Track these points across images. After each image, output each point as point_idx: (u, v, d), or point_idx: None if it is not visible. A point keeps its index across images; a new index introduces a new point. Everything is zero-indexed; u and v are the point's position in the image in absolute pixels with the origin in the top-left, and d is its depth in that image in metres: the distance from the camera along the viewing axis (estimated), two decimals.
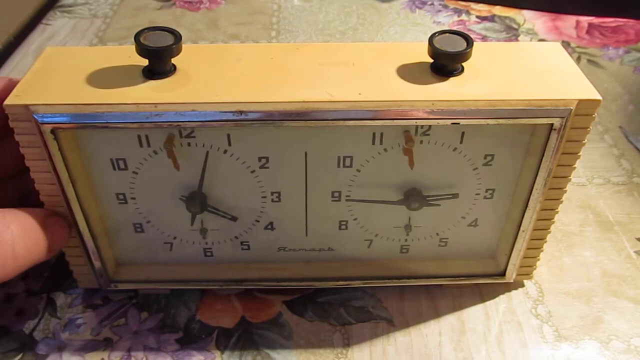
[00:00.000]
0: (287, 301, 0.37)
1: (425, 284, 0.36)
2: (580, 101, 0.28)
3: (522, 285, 0.37)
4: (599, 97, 0.28)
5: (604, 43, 0.63)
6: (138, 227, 0.34)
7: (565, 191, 0.31)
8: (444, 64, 0.29)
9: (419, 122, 0.28)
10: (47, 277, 0.38)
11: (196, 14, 0.69)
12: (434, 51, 0.29)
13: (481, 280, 0.36)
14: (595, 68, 0.60)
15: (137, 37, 0.28)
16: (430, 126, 0.30)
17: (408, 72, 0.29)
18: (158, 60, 0.28)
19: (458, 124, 0.28)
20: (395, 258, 0.36)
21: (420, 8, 0.71)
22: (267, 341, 0.35)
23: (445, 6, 0.71)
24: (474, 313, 0.36)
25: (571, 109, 0.28)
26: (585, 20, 0.67)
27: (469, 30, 0.66)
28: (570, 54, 0.56)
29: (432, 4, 0.72)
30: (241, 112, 0.27)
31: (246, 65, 0.30)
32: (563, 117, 0.28)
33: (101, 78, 0.29)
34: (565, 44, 0.63)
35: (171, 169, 0.31)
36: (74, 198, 0.30)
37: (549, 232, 0.33)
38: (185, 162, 0.31)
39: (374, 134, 0.30)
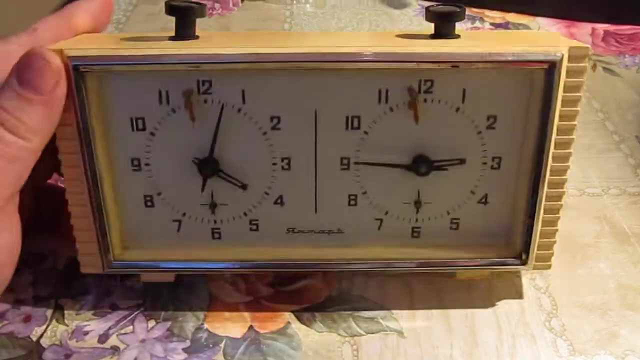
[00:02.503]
0: (295, 311, 0.36)
1: (437, 270, 0.35)
2: (571, 47, 0.30)
3: (535, 296, 0.36)
4: (588, 45, 0.30)
5: (620, 51, 0.63)
6: (149, 200, 0.34)
7: (570, 154, 0.32)
8: (441, 27, 0.32)
9: (422, 66, 0.30)
10: (56, 283, 0.38)
11: (208, 20, 0.70)
12: (431, 14, 0.32)
13: (497, 267, 0.35)
14: (611, 76, 0.60)
15: (166, 2, 0.31)
16: (432, 82, 0.31)
17: (410, 37, 0.33)
18: (183, 19, 0.31)
19: (458, 66, 0.30)
20: (406, 242, 0.35)
21: None
22: (275, 351, 0.33)
23: None
24: (486, 325, 0.35)
25: (563, 53, 0.30)
26: (600, 27, 0.66)
27: None
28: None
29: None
30: (257, 54, 0.30)
31: (263, 35, 0.33)
32: (557, 60, 0.30)
33: (131, 40, 0.32)
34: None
35: (187, 129, 0.32)
36: (92, 158, 0.32)
37: (561, 206, 0.33)
38: (200, 122, 0.32)
39: (379, 91, 0.32)
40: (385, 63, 0.30)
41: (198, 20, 0.32)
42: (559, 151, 0.32)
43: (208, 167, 0.33)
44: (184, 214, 0.35)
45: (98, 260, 0.34)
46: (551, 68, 0.30)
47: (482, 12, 0.70)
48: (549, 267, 0.35)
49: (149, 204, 0.34)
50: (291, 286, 0.38)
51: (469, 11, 0.70)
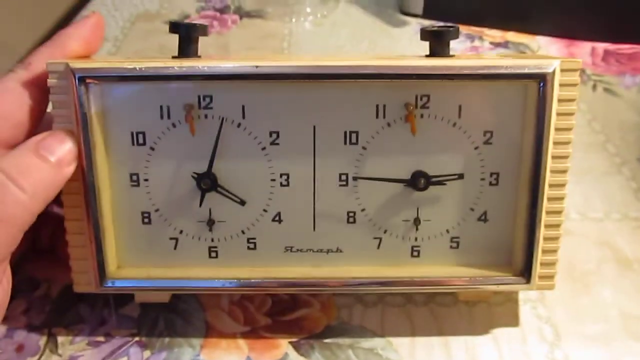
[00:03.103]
0: (293, 342, 0.35)
1: (438, 290, 0.34)
2: (563, 61, 0.31)
3: (537, 325, 0.35)
4: (580, 60, 0.31)
5: (620, 70, 0.61)
6: (146, 216, 0.34)
7: (568, 167, 0.32)
8: (436, 46, 0.33)
9: (417, 82, 0.31)
10: (50, 312, 0.37)
11: (207, 38, 0.70)
12: (426, 33, 0.33)
13: (499, 287, 0.34)
14: (612, 97, 0.58)
15: (170, 21, 0.33)
16: (429, 97, 0.32)
17: (406, 57, 0.33)
18: (186, 38, 0.32)
19: (451, 79, 0.31)
20: (406, 262, 0.35)
21: None
22: None
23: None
24: (488, 356, 0.34)
25: (555, 66, 0.30)
26: (601, 46, 0.65)
27: None
28: (585, 82, 0.59)
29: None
30: (257, 67, 0.30)
31: (264, 55, 0.34)
32: (549, 72, 0.30)
33: (135, 60, 0.32)
34: (581, 72, 0.60)
35: (187, 144, 0.33)
36: (92, 172, 0.32)
37: (562, 221, 0.33)
38: (200, 136, 0.32)
39: (377, 106, 0.32)
40: (383, 79, 0.31)
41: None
42: (556, 165, 0.32)
43: (207, 181, 0.33)
44: (181, 232, 0.34)
45: (92, 279, 0.33)
46: (543, 81, 0.31)
47: (481, 31, 0.69)
48: (552, 287, 0.34)
49: (146, 220, 0.34)
50: (289, 316, 0.37)
51: (468, 30, 0.69)
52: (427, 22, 0.70)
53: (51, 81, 0.31)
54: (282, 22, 0.72)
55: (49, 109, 0.33)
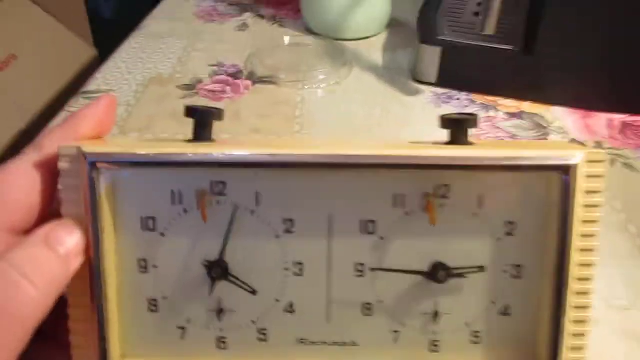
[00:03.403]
0: None
1: None
2: (589, 152, 0.30)
3: None
4: (603, 152, 0.30)
5: (638, 144, 0.60)
6: (153, 304, 0.32)
7: (595, 261, 0.31)
8: (456, 133, 0.32)
9: (436, 172, 0.30)
10: None
11: (219, 104, 0.68)
12: (446, 121, 0.32)
13: None
14: (632, 172, 0.56)
15: (186, 105, 0.32)
16: (448, 187, 0.31)
17: (425, 144, 0.33)
18: (201, 122, 0.32)
19: (472, 169, 0.30)
20: (425, 357, 0.33)
21: (446, 103, 0.69)
22: None
23: (472, 101, 0.69)
24: None
25: (580, 157, 0.30)
26: (617, 118, 0.64)
27: (497, 127, 0.64)
28: None
29: (458, 98, 0.69)
30: (272, 155, 0.30)
31: (280, 140, 0.33)
32: (574, 164, 0.29)
33: (147, 144, 0.32)
34: (598, 145, 0.60)
35: (198, 231, 0.32)
36: (99, 257, 0.31)
37: (589, 317, 0.31)
38: (212, 223, 0.32)
39: (394, 196, 0.31)
40: (401, 169, 0.30)
41: (209, 104, 0.33)
42: (582, 258, 0.31)
43: (218, 270, 0.31)
44: (189, 320, 0.33)
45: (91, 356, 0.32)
46: (567, 172, 0.30)
47: (495, 101, 0.68)
48: None
49: (152, 308, 0.33)
50: None
51: (482, 99, 0.69)
52: (440, 91, 0.70)
53: (62, 165, 0.30)
54: (295, 88, 0.72)
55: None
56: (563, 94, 0.67)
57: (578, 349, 0.32)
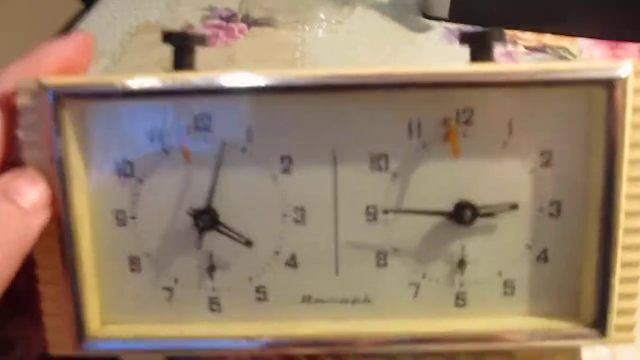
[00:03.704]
0: None
1: (490, 347, 0.28)
2: (638, 63, 0.25)
3: None
4: None
5: None
6: (134, 262, 0.28)
7: None
8: (478, 50, 0.27)
9: (458, 93, 0.26)
10: None
11: (212, 49, 0.62)
12: (466, 36, 0.27)
13: (567, 342, 0.27)
14: None
15: (162, 31, 0.28)
16: (472, 111, 0.26)
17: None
18: (181, 49, 0.27)
19: (502, 84, 0.25)
20: (449, 313, 0.28)
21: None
22: None
23: None
24: None
25: (629, 68, 0.25)
26: None
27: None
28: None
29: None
30: (264, 77, 0.25)
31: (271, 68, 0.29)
32: (621, 76, 0.25)
33: (119, 74, 0.28)
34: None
35: (182, 175, 0.27)
36: (68, 210, 0.26)
37: (639, 261, 0.27)
38: (197, 165, 0.27)
39: (410, 124, 0.27)
40: (417, 88, 0.26)
41: (201, 52, 0.28)
42: (633, 189, 0.26)
43: (205, 218, 0.27)
44: (176, 280, 0.28)
45: (70, 338, 0.28)
46: (614, 86, 0.25)
47: (514, 35, 0.62)
48: (632, 339, 0.27)
49: (134, 267, 0.28)
50: None
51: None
52: (453, 27, 0.64)
53: (21, 101, 0.26)
54: (294, 30, 0.66)
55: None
56: (588, 23, 0.60)
57: (629, 296, 0.27)
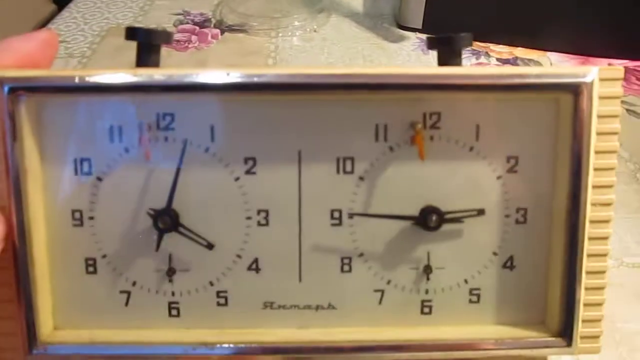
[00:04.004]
0: None
1: (455, 356, 0.27)
2: (602, 69, 0.25)
3: None
4: (621, 67, 0.26)
5: None
6: (91, 264, 0.27)
7: (613, 200, 0.26)
8: (446, 55, 0.27)
9: (425, 96, 0.26)
10: None
11: (183, 54, 0.61)
12: (434, 41, 0.27)
13: (533, 352, 0.27)
14: (637, 119, 0.51)
15: (126, 27, 0.27)
16: (439, 115, 0.26)
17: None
18: (145, 46, 0.27)
19: (469, 88, 0.25)
20: (415, 321, 0.28)
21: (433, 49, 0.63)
22: None
23: None
24: None
25: (594, 74, 0.25)
26: (618, 64, 0.59)
27: None
28: None
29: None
30: (228, 74, 0.25)
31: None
32: (586, 82, 0.25)
33: (78, 69, 0.27)
34: None
35: (142, 174, 0.26)
36: (22, 209, 0.25)
37: (607, 267, 0.27)
38: (158, 165, 0.26)
39: (376, 127, 0.26)
40: (384, 90, 0.25)
41: (172, 56, 0.28)
42: (599, 197, 0.26)
43: (165, 219, 0.26)
44: (134, 283, 0.27)
45: (22, 344, 0.26)
46: (579, 92, 0.25)
47: (487, 47, 0.64)
48: (598, 350, 0.27)
49: (90, 269, 0.27)
50: None
51: (473, 45, 0.63)
52: (426, 37, 0.66)
53: None
54: (268, 37, 0.66)
55: None
56: (559, 38, 0.61)
57: (595, 305, 0.27)
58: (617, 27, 0.59)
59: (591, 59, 0.62)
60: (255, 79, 0.25)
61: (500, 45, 0.64)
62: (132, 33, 0.27)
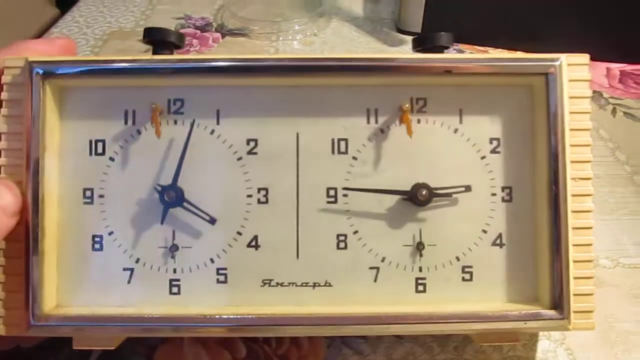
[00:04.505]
0: None
1: (450, 332, 0.27)
2: (569, 55, 0.28)
3: None
4: (587, 54, 0.28)
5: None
6: (97, 241, 0.28)
7: (591, 175, 0.28)
8: (429, 52, 0.30)
9: (411, 81, 0.28)
10: None
11: (185, 55, 0.61)
12: (416, 41, 0.31)
13: (527, 324, 0.27)
14: (634, 122, 0.51)
15: (145, 28, 0.30)
16: (425, 100, 0.29)
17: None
18: (160, 44, 0.30)
19: (450, 71, 0.28)
20: (409, 299, 0.28)
21: None
22: None
23: (461, 51, 0.64)
24: None
25: (562, 59, 0.28)
26: (616, 67, 0.60)
27: None
28: (603, 106, 0.52)
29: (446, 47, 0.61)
30: (234, 59, 0.27)
31: None
32: (556, 66, 0.28)
33: (101, 55, 0.30)
34: (598, 95, 0.55)
35: (151, 154, 0.28)
36: (39, 182, 0.27)
37: (592, 241, 0.27)
38: (167, 145, 0.28)
39: (368, 111, 0.29)
40: (373, 71, 0.28)
41: None
42: (577, 172, 0.28)
43: (171, 194, 0.28)
44: (138, 260, 0.28)
45: (23, 317, 0.27)
46: (550, 76, 0.28)
47: (485, 50, 0.64)
48: (592, 326, 0.27)
49: (96, 246, 0.28)
50: None
51: (472, 49, 0.64)
52: None
53: (6, 77, 0.28)
54: (269, 40, 0.67)
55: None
56: (558, 42, 0.60)
57: (585, 278, 0.27)
58: (616, 31, 0.60)
59: (589, 62, 0.63)
60: (259, 63, 0.28)
61: (499, 49, 0.64)
62: (149, 31, 0.30)
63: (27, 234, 0.27)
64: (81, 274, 0.28)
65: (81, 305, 0.28)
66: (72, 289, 0.28)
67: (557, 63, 0.28)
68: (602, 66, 0.61)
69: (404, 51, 0.64)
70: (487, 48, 0.65)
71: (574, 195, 0.28)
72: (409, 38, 0.67)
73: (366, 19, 0.71)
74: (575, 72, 0.28)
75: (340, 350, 0.32)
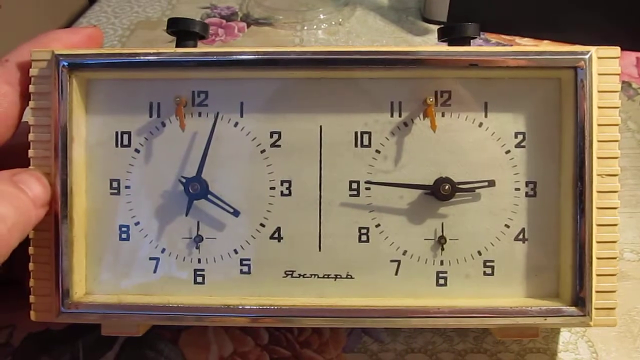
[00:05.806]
0: None
1: (470, 326, 0.27)
2: (599, 48, 0.27)
3: None
4: (617, 47, 0.28)
5: None
6: (124, 231, 0.29)
7: (618, 171, 0.27)
8: (455, 42, 0.30)
9: (436, 74, 0.28)
10: None
11: (210, 47, 0.58)
12: (443, 30, 0.30)
13: (547, 320, 0.27)
14: None
15: (168, 18, 0.30)
16: (450, 93, 0.28)
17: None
18: (184, 34, 0.30)
19: (476, 65, 0.27)
20: (430, 292, 0.29)
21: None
22: None
23: (487, 40, 0.63)
24: None
25: (592, 52, 0.27)
26: None
27: None
28: (632, 97, 0.52)
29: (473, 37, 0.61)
30: (258, 53, 0.28)
31: None
32: (585, 59, 0.27)
33: (126, 48, 0.30)
34: (627, 85, 0.55)
35: (176, 146, 0.29)
36: (67, 174, 0.28)
37: (617, 238, 0.27)
38: (192, 137, 0.29)
39: (392, 104, 0.29)
40: (397, 64, 0.28)
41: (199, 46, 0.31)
42: (603, 168, 0.27)
43: (196, 185, 0.28)
44: (163, 250, 0.29)
45: (52, 304, 0.28)
46: (580, 69, 0.27)
47: (512, 40, 0.63)
48: (614, 322, 0.27)
49: (123, 236, 0.29)
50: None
51: (498, 38, 0.63)
52: None
53: (34, 70, 0.28)
54: (293, 30, 0.67)
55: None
56: (587, 31, 0.59)
57: (608, 275, 0.27)
58: None
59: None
60: (283, 56, 0.28)
61: (526, 39, 0.63)
62: (173, 22, 0.30)
63: (56, 223, 0.28)
64: (109, 262, 0.29)
65: (108, 293, 0.29)
66: (100, 278, 0.29)
67: (586, 56, 0.27)
68: (632, 56, 0.59)
69: (430, 40, 0.63)
70: (514, 37, 0.63)
71: (599, 192, 0.27)
72: (435, 27, 0.66)
73: (391, 8, 0.70)
74: (605, 66, 0.27)
75: (360, 339, 0.33)
